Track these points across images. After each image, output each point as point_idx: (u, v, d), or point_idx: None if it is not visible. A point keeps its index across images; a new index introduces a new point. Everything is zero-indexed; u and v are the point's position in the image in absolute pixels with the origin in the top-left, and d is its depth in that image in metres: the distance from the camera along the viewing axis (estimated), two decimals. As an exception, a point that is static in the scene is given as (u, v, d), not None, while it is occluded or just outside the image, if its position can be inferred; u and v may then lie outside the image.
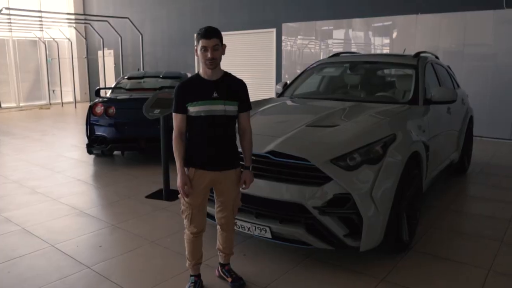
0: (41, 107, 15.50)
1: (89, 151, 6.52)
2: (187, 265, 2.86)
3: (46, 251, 3.50)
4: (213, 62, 2.55)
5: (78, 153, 7.34)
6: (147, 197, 4.89)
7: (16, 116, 13.23)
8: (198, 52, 2.56)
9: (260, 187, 3.10)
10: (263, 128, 3.49)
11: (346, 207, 2.92)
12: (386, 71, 4.86)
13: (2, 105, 14.91)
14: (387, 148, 3.11)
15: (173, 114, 2.63)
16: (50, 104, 16.18)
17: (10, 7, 13.28)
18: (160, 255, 3.44)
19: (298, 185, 2.98)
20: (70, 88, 16.25)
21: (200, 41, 2.53)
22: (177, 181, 2.61)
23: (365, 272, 3.10)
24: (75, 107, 15.29)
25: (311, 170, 2.96)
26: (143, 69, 13.02)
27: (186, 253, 2.82)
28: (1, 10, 9.34)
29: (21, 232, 3.90)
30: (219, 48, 2.56)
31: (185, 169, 2.64)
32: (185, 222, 2.75)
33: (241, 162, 2.80)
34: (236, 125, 2.76)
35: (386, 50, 9.61)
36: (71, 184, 5.49)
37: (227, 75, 2.70)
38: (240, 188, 2.82)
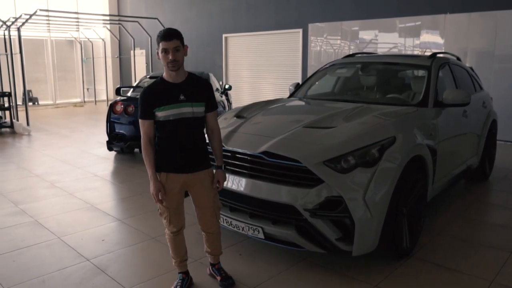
0: (75, 104, 16.14)
1: (109, 148, 6.76)
2: (173, 263, 2.89)
3: (52, 243, 3.65)
4: (175, 64, 2.50)
5: (102, 150, 7.56)
6: (157, 194, 4.99)
7: (51, 113, 13.84)
8: (160, 54, 2.51)
9: (254, 188, 3.10)
10: (260, 128, 3.49)
11: (338, 210, 2.86)
12: (398, 72, 4.72)
13: (40, 102, 15.62)
14: (384, 151, 3.02)
15: (140, 120, 2.59)
16: (84, 102, 16.82)
17: (49, 8, 13.93)
18: (159, 251, 3.50)
19: (291, 187, 2.96)
20: (103, 87, 16.83)
21: (161, 44, 2.48)
22: (150, 188, 2.61)
23: (358, 277, 3.04)
24: (107, 105, 15.78)
25: (303, 171, 2.93)
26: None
27: (170, 252, 2.86)
28: (36, 11, 9.79)
29: (32, 224, 4.08)
30: (181, 50, 2.52)
31: (157, 174, 2.62)
32: (165, 222, 2.77)
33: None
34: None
35: (417, 51, 9.33)
36: (88, 179, 5.68)
37: (191, 77, 2.66)
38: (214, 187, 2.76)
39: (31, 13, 9.90)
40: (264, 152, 3.05)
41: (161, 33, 2.50)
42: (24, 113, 10.15)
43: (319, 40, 11.15)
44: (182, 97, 2.56)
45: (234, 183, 3.21)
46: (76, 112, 13.98)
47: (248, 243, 3.58)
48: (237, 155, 3.24)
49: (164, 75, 2.62)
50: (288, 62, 12.11)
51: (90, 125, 11.05)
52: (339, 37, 10.67)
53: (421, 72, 4.34)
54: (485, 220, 4.28)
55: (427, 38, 9.08)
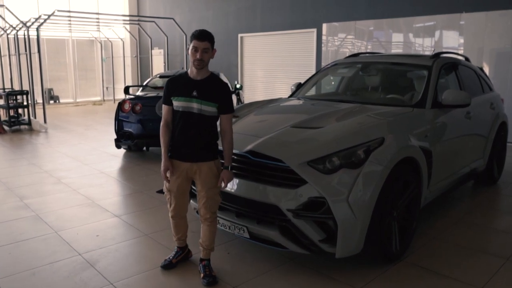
0: (94, 103, 16.49)
1: (117, 146, 6.88)
2: (173, 238, 3.18)
3: (48, 237, 3.75)
4: (201, 63, 2.72)
5: (112, 147, 7.64)
6: (158, 192, 5.05)
7: (71, 111, 14.19)
8: (189, 51, 2.73)
9: (239, 187, 3.11)
10: (249, 127, 3.50)
11: (321, 211, 2.83)
12: (399, 72, 4.63)
13: (61, 101, 16.03)
14: (371, 152, 2.97)
15: (162, 105, 2.87)
16: (103, 100, 17.17)
17: (71, 9, 14.28)
18: (149, 247, 3.55)
19: (275, 187, 2.95)
20: (122, 86, 17.11)
21: (193, 42, 2.70)
22: (161, 166, 2.86)
23: (342, 280, 3.00)
24: (125, 103, 16.05)
25: (287, 171, 2.91)
26: (186, 68, 13.44)
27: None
28: (54, 12, 10.05)
29: (33, 218, 4.20)
30: (209, 52, 2.74)
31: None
32: (168, 205, 3.03)
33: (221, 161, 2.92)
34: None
35: (432, 51, 9.13)
36: (94, 176, 5.81)
37: (212, 77, 2.83)
38: (221, 186, 2.91)
39: (52, 14, 10.18)
40: (249, 152, 3.06)
41: (196, 32, 2.71)
42: (42, 110, 10.44)
43: (334, 40, 11.06)
44: (194, 93, 2.75)
45: (223, 182, 3.23)
46: (94, 110, 14.29)
47: (238, 243, 3.59)
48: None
49: (189, 70, 2.83)
50: (302, 61, 12.06)
51: (105, 123, 11.26)
52: (353, 37, 10.55)
53: (422, 73, 4.25)
54: (486, 225, 4.15)
55: (443, 38, 8.88)
